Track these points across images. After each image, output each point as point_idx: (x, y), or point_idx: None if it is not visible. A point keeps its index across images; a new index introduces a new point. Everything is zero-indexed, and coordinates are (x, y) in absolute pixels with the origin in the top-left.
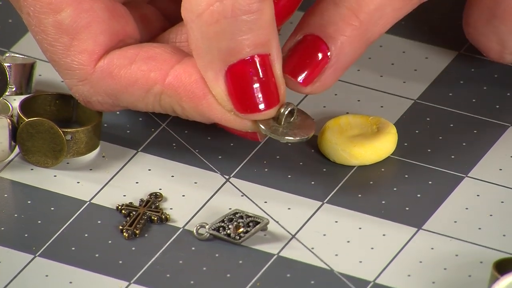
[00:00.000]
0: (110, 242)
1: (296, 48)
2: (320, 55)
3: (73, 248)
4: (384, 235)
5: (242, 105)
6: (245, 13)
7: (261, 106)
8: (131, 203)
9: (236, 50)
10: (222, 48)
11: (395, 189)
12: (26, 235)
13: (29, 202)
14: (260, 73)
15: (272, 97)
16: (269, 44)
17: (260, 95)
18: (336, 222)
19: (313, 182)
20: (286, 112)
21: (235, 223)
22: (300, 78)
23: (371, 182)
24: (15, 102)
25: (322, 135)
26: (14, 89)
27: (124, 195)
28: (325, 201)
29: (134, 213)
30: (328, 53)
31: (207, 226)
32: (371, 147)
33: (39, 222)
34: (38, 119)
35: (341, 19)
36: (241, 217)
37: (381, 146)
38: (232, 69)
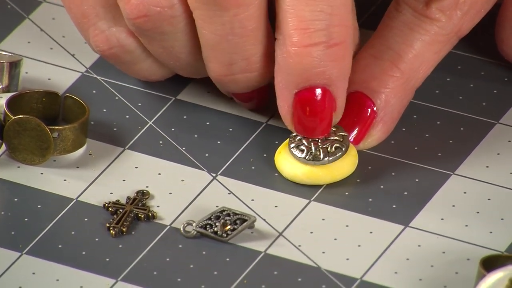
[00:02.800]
0: (97, 239)
1: None
2: (367, 111)
3: (60, 246)
4: (371, 232)
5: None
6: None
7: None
8: (118, 200)
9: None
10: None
11: (382, 186)
12: (12, 232)
13: (15, 199)
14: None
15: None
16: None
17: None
18: (323, 219)
19: None
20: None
21: (222, 220)
22: (351, 137)
23: (358, 180)
24: (2, 100)
25: (279, 150)
26: (0, 86)
27: (111, 193)
28: (312, 199)
29: (121, 210)
30: (375, 108)
31: (194, 224)
32: (325, 167)
33: (26, 220)
34: (25, 117)
35: (382, 72)
36: (228, 215)
37: (336, 167)
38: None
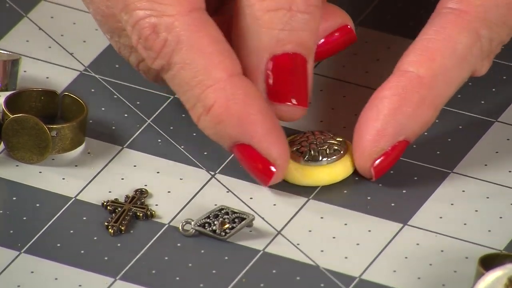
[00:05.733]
0: (95, 238)
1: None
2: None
3: (58, 245)
4: (369, 231)
5: (276, 93)
6: (302, 11)
7: (293, 100)
8: (116, 199)
9: (284, 42)
10: (273, 36)
11: (380, 185)
12: (11, 231)
13: (14, 198)
14: (298, 72)
15: (304, 96)
16: (309, 50)
17: (294, 89)
18: (322, 218)
19: None
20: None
21: (220, 219)
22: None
23: (357, 178)
24: (0, 99)
25: None
26: None
27: (110, 191)
28: (310, 197)
29: (119, 209)
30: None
31: (192, 222)
32: (323, 168)
33: (24, 218)
34: (23, 116)
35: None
36: (227, 213)
37: (335, 168)
38: (276, 59)
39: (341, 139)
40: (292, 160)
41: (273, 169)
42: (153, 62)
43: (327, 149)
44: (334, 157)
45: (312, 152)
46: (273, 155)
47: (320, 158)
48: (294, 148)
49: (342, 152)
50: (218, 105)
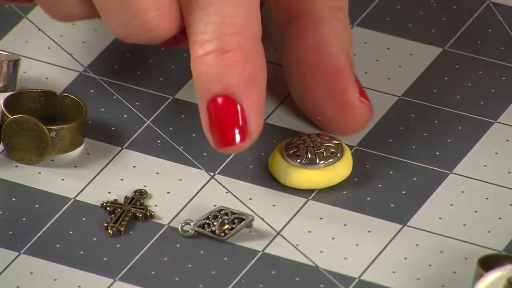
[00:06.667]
0: (94, 239)
1: None
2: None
3: (57, 246)
4: (369, 231)
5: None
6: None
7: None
8: (115, 200)
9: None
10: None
11: (380, 186)
12: (10, 232)
13: (13, 199)
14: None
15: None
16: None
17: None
18: (321, 219)
19: None
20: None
21: (220, 220)
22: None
23: (356, 179)
24: (0, 99)
25: (273, 156)
26: None
27: (109, 192)
28: (310, 198)
29: (118, 210)
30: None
31: (192, 223)
32: (321, 170)
33: (24, 219)
34: (22, 116)
35: None
36: (226, 214)
37: (333, 170)
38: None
39: (338, 142)
40: (289, 163)
41: (239, 138)
42: None
43: (324, 152)
44: (331, 160)
45: (309, 155)
46: (254, 122)
47: (317, 161)
48: (291, 151)
49: (339, 155)
50: (240, 51)
